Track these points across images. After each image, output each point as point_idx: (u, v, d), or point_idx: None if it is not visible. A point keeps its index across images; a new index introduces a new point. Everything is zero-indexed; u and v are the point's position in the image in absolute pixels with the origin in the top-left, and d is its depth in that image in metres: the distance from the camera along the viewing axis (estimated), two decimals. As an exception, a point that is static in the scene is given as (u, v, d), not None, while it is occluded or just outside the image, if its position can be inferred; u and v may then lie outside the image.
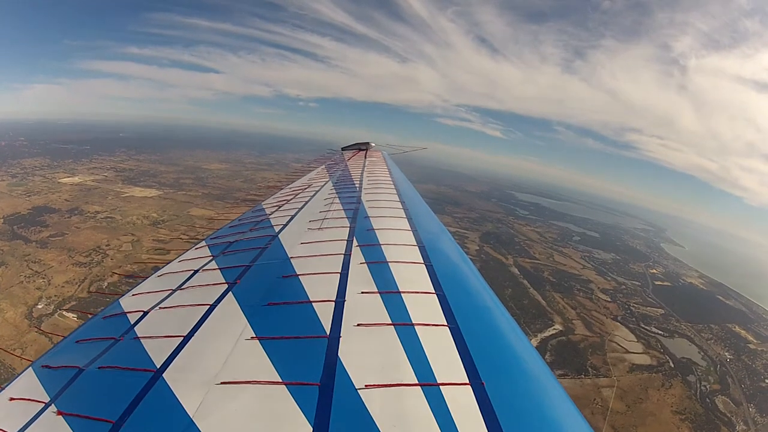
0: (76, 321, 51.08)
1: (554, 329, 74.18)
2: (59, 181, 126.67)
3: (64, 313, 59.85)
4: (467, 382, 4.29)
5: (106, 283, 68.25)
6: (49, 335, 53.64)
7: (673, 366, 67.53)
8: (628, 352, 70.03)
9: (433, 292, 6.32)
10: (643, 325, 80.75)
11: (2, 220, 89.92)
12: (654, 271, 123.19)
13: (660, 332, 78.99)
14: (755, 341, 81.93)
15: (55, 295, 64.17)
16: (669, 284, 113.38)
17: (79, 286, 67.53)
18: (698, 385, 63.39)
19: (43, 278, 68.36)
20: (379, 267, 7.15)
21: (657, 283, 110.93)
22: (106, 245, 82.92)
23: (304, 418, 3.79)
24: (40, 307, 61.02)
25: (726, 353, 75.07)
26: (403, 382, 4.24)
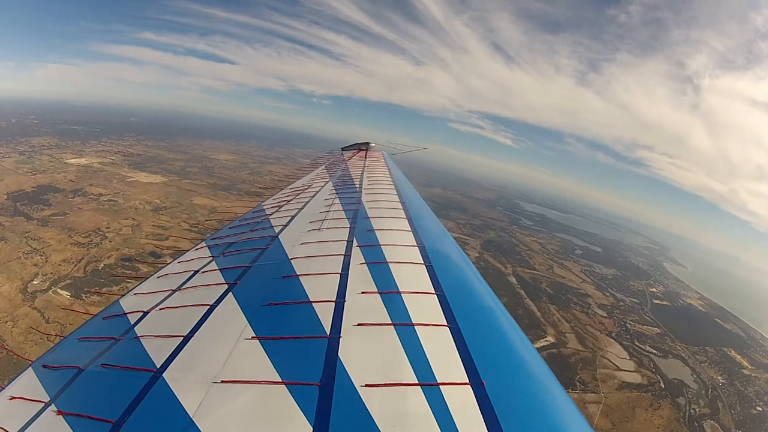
0: (69, 299, 51.35)
1: (546, 341, 73.98)
2: (66, 161, 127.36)
3: (58, 290, 60.43)
4: (467, 382, 4.28)
5: (102, 265, 68.78)
6: (41, 311, 54.28)
7: (663, 386, 67.13)
8: (619, 369, 69.67)
9: (433, 292, 6.30)
10: (637, 343, 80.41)
11: (6, 196, 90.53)
12: (654, 289, 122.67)
13: (654, 351, 78.65)
14: (750, 367, 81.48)
15: (51, 273, 64.59)
16: (668, 304, 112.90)
17: (75, 265, 67.90)
18: (687, 408, 62.99)
19: (41, 255, 68.77)
20: (379, 267, 7.14)
21: (656, 302, 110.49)
22: (106, 228, 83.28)
23: (304, 418, 3.79)
24: (35, 283, 61.49)
25: (719, 377, 74.64)
26: (403, 382, 4.24)
